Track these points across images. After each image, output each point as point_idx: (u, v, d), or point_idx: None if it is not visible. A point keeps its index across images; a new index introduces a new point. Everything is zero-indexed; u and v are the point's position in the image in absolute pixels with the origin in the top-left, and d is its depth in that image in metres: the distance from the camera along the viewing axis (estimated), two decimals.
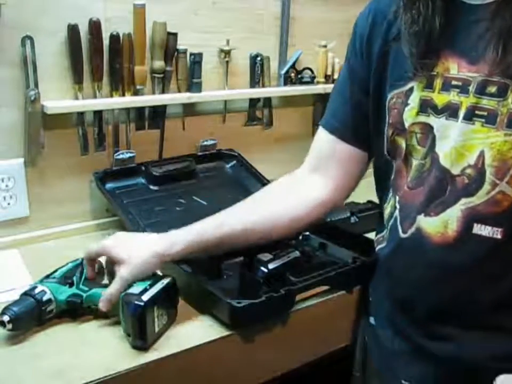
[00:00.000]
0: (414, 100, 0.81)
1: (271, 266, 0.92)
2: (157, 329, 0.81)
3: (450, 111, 0.77)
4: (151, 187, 1.25)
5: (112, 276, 0.85)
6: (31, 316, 0.82)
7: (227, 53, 1.36)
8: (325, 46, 1.50)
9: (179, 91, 1.31)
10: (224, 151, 1.40)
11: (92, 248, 0.88)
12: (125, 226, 1.15)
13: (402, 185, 0.84)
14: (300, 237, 1.15)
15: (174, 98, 1.30)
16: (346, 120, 0.93)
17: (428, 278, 0.80)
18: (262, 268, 0.92)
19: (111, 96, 1.21)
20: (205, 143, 1.37)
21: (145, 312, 0.79)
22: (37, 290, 0.83)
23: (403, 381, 0.86)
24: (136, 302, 0.78)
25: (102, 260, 0.95)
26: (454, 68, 0.77)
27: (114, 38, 1.18)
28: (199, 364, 0.83)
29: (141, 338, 0.79)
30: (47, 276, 0.88)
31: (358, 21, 0.92)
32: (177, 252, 0.85)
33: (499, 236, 0.74)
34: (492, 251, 0.75)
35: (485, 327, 0.79)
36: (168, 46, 1.26)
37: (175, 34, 1.26)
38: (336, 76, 1.53)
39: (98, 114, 1.21)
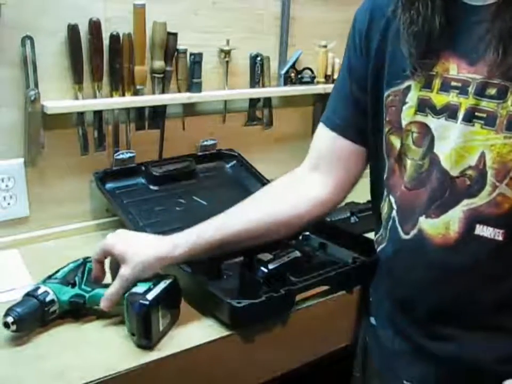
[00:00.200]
0: (412, 99, 0.81)
1: (271, 266, 0.92)
2: (161, 328, 0.82)
3: (450, 111, 0.77)
4: (151, 187, 1.25)
5: (115, 274, 0.85)
6: (35, 317, 0.82)
7: (227, 53, 1.36)
8: (325, 46, 1.49)
9: (179, 91, 1.31)
10: (224, 151, 1.40)
11: (97, 247, 0.88)
12: (125, 227, 1.15)
13: (398, 185, 0.84)
14: (300, 237, 1.15)
15: (174, 98, 1.30)
16: (346, 117, 0.92)
17: (429, 279, 0.80)
18: (262, 268, 0.92)
19: (111, 96, 1.21)
20: (205, 143, 1.37)
21: (150, 311, 0.79)
22: (39, 291, 0.83)
23: (404, 381, 0.86)
24: (141, 301, 0.79)
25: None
26: (454, 68, 0.77)
27: (114, 38, 1.18)
28: (199, 364, 0.83)
29: (146, 337, 0.80)
30: (49, 277, 0.88)
31: (356, 16, 0.91)
32: (180, 254, 0.85)
33: (500, 238, 0.74)
34: (493, 252, 0.75)
35: (486, 328, 0.79)
36: (168, 46, 1.26)
37: (175, 34, 1.26)
38: (336, 76, 1.53)
39: (98, 114, 1.21)
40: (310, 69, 1.52)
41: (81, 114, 1.19)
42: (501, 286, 0.76)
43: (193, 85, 1.31)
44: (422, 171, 0.80)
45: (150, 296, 0.80)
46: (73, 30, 1.12)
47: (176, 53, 1.28)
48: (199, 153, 1.36)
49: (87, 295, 0.86)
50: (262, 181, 1.32)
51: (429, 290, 0.81)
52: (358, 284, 0.99)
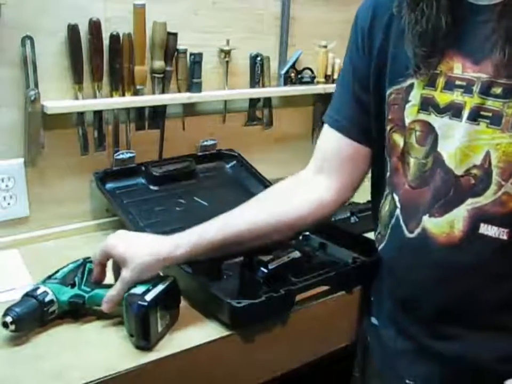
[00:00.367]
0: (414, 97, 0.81)
1: (271, 266, 0.92)
2: (160, 329, 0.82)
3: (454, 110, 0.77)
4: (151, 187, 1.25)
5: (117, 275, 0.85)
6: (34, 317, 0.81)
7: (227, 53, 1.36)
8: (325, 46, 1.49)
9: (179, 91, 1.31)
10: (224, 151, 1.40)
11: (97, 250, 0.87)
12: (125, 227, 1.15)
13: (401, 184, 0.84)
14: (300, 237, 1.15)
15: (174, 98, 1.30)
16: (351, 117, 0.92)
17: (432, 278, 0.80)
18: (262, 268, 0.92)
19: (111, 96, 1.21)
20: (205, 143, 1.37)
21: (149, 312, 0.79)
22: (39, 291, 0.83)
23: (407, 381, 0.86)
24: (139, 302, 0.78)
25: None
26: (459, 67, 0.77)
27: (114, 38, 1.18)
28: (199, 364, 0.83)
29: (145, 338, 0.80)
30: (49, 277, 0.88)
31: (358, 14, 0.91)
32: (181, 254, 0.85)
33: (505, 237, 0.74)
34: (497, 252, 0.75)
35: (490, 327, 0.79)
36: (168, 46, 1.26)
37: (175, 34, 1.26)
38: (336, 76, 1.53)
39: (98, 114, 1.21)
40: (310, 69, 1.52)
41: (81, 114, 1.19)
42: (505, 285, 0.76)
43: (193, 85, 1.31)
44: (425, 170, 0.80)
45: (149, 297, 0.80)
46: (73, 30, 1.12)
47: (176, 53, 1.28)
48: (199, 154, 1.36)
49: (86, 296, 0.86)
50: (262, 181, 1.32)
51: (433, 289, 0.81)
52: (358, 284, 0.99)
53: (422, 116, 0.80)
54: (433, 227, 0.79)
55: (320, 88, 1.52)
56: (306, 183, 0.96)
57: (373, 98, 0.88)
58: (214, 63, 1.37)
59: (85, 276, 0.89)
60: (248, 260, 0.98)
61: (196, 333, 0.85)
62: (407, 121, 0.82)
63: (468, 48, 0.76)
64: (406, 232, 0.83)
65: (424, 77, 0.79)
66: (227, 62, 1.37)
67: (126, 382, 0.76)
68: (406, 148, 0.82)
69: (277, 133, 1.54)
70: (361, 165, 0.94)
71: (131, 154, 1.25)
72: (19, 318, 0.79)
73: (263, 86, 1.45)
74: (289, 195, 0.95)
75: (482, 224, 0.75)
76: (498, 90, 0.73)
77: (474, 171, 0.75)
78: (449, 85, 0.78)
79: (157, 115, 1.30)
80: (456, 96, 0.77)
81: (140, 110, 1.28)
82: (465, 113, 0.76)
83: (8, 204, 1.14)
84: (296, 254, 0.98)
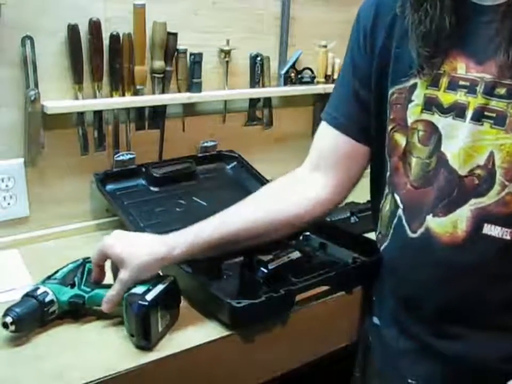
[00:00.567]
0: (418, 97, 0.81)
1: (271, 266, 0.92)
2: (160, 329, 0.82)
3: (457, 110, 0.77)
4: (152, 188, 1.25)
5: (116, 276, 0.85)
6: (34, 317, 0.81)
7: (227, 53, 1.36)
8: (325, 46, 1.49)
9: (179, 91, 1.31)
10: (225, 152, 1.40)
11: (95, 250, 0.87)
12: (125, 227, 1.15)
13: (403, 183, 0.84)
14: (300, 237, 1.15)
15: (174, 98, 1.30)
16: (350, 115, 0.91)
17: (435, 278, 0.80)
18: (262, 268, 0.92)
19: (111, 96, 1.21)
20: (205, 144, 1.37)
21: (149, 312, 0.79)
22: (39, 292, 0.83)
23: (409, 380, 0.86)
24: (140, 302, 0.78)
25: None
26: (462, 67, 0.77)
27: (114, 38, 1.18)
28: (199, 364, 0.83)
29: (145, 338, 0.80)
30: (49, 277, 0.88)
31: (360, 12, 0.91)
32: (178, 254, 0.84)
33: (508, 237, 0.74)
34: (501, 252, 0.75)
35: (493, 327, 0.79)
36: (168, 46, 1.26)
37: (175, 34, 1.26)
38: (336, 76, 1.53)
39: (98, 114, 1.21)
40: (310, 69, 1.52)
41: (81, 114, 1.19)
42: (508, 285, 0.76)
43: (193, 85, 1.31)
44: (429, 170, 0.80)
45: (149, 297, 0.80)
46: (73, 30, 1.12)
47: (176, 53, 1.28)
48: (199, 155, 1.36)
49: (86, 296, 0.86)
50: (263, 182, 1.32)
51: (436, 289, 0.81)
52: (358, 284, 0.99)
53: (426, 116, 0.80)
54: (437, 227, 0.79)
55: (320, 88, 1.52)
56: (302, 181, 0.95)
57: (374, 97, 0.88)
58: (214, 63, 1.37)
59: (85, 276, 0.89)
60: (248, 259, 0.98)
61: (196, 333, 0.85)
62: (410, 121, 0.82)
63: (472, 48, 0.76)
64: (408, 232, 0.83)
65: (428, 77, 0.79)
66: (227, 62, 1.37)
67: (126, 382, 0.76)
68: (408, 147, 0.82)
69: (277, 133, 1.54)
70: (359, 163, 0.94)
71: (131, 156, 1.25)
72: (19, 319, 0.79)
73: (263, 86, 1.45)
74: (286, 193, 0.95)
75: (485, 225, 0.75)
76: (502, 90, 0.73)
77: (478, 171, 0.75)
78: (453, 85, 0.78)
79: (157, 115, 1.30)
80: (460, 96, 0.77)
81: (140, 110, 1.28)
82: (469, 114, 0.76)
83: (8, 203, 1.14)
84: (296, 254, 0.98)
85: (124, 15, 1.18)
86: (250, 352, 0.88)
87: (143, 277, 0.83)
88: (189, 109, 1.36)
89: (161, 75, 1.27)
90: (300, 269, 0.96)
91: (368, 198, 0.99)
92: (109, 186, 1.21)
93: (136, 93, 1.24)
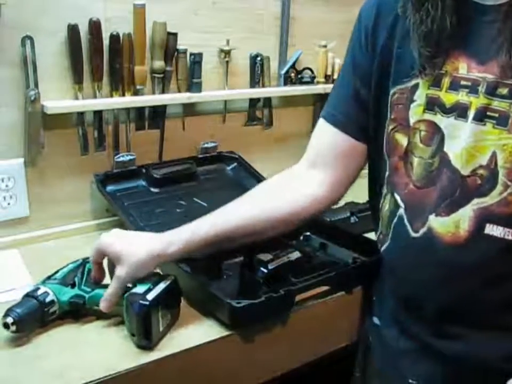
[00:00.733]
0: (420, 97, 0.81)
1: (271, 266, 0.92)
2: (161, 328, 0.82)
3: (459, 111, 0.77)
4: (152, 189, 1.26)
5: (113, 275, 0.85)
6: (34, 318, 0.81)
7: (227, 53, 1.36)
8: (325, 46, 1.50)
9: (179, 91, 1.31)
10: (225, 153, 1.40)
11: (92, 249, 0.87)
12: (125, 227, 1.15)
13: (403, 183, 0.84)
14: (301, 237, 1.15)
15: (174, 98, 1.30)
16: (348, 113, 0.92)
17: (437, 277, 0.80)
18: (262, 268, 0.92)
19: (111, 96, 1.21)
20: (206, 145, 1.37)
21: (150, 311, 0.79)
22: (39, 292, 0.83)
23: (410, 380, 0.86)
24: (141, 302, 0.79)
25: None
26: (464, 67, 0.77)
27: (114, 38, 1.18)
28: (199, 364, 0.83)
29: (146, 338, 0.80)
30: (49, 277, 0.88)
31: (362, 12, 0.91)
32: (174, 251, 0.84)
33: (510, 237, 0.74)
34: (503, 252, 0.75)
35: (494, 327, 0.79)
36: (168, 46, 1.26)
37: (175, 34, 1.26)
38: (336, 76, 1.53)
39: (98, 114, 1.21)
40: (310, 69, 1.52)
41: (81, 114, 1.19)
42: (510, 285, 0.76)
43: (193, 85, 1.31)
44: (431, 169, 0.80)
45: (150, 296, 0.80)
46: (73, 30, 1.12)
47: (176, 53, 1.28)
48: (200, 156, 1.36)
49: (86, 296, 0.86)
50: None
51: (437, 289, 0.81)
52: (358, 284, 0.99)
53: (428, 116, 0.80)
54: (439, 226, 0.79)
55: (320, 88, 1.52)
56: (299, 178, 0.95)
57: (373, 96, 0.88)
58: (214, 63, 1.37)
59: (85, 276, 0.89)
60: (248, 260, 0.98)
61: (196, 333, 0.85)
62: (412, 121, 0.82)
63: (474, 48, 0.76)
64: (410, 231, 0.82)
65: (429, 77, 0.79)
66: (227, 62, 1.37)
67: (126, 382, 0.76)
68: (410, 147, 0.82)
69: (277, 133, 1.54)
70: (356, 161, 0.94)
71: (131, 157, 1.25)
72: (20, 319, 0.79)
73: (263, 86, 1.45)
74: (282, 190, 0.95)
75: (487, 225, 0.75)
76: (504, 91, 0.73)
77: (481, 171, 0.75)
78: (455, 85, 0.78)
79: (157, 115, 1.30)
80: (462, 96, 0.77)
81: (140, 110, 1.28)
82: (471, 114, 0.76)
83: (8, 203, 1.14)
84: (296, 254, 0.98)
85: (124, 15, 1.18)
86: (250, 352, 0.88)
87: (140, 274, 0.83)
88: (189, 109, 1.36)
89: (161, 75, 1.27)
90: (299, 269, 0.96)
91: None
92: (109, 187, 1.21)
93: (136, 93, 1.24)
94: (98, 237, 1.19)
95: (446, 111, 0.78)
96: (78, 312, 0.87)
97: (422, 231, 0.81)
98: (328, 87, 1.51)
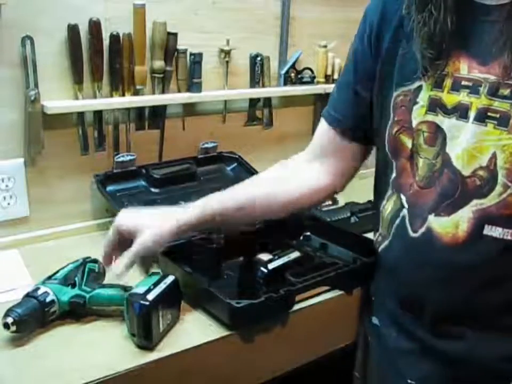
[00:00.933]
0: (423, 99, 0.81)
1: (270, 266, 0.92)
2: (161, 328, 0.82)
3: (460, 111, 0.77)
4: (152, 189, 1.26)
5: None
6: (35, 318, 0.82)
7: (227, 53, 1.36)
8: (325, 46, 1.50)
9: (179, 91, 1.31)
10: (225, 154, 1.40)
11: (109, 231, 0.89)
12: None
13: (409, 184, 0.84)
14: (301, 237, 1.15)
15: (174, 98, 1.30)
16: (348, 114, 0.93)
17: (436, 278, 0.80)
18: (262, 268, 0.92)
19: (111, 96, 1.21)
20: (206, 145, 1.37)
21: (151, 311, 0.79)
22: (39, 292, 0.83)
23: (409, 381, 0.86)
24: (141, 302, 0.79)
25: (102, 259, 0.95)
26: (464, 68, 0.77)
27: (114, 38, 1.18)
28: (199, 364, 0.83)
29: (147, 338, 0.80)
30: (49, 277, 0.88)
31: (367, 11, 0.91)
32: (185, 224, 0.88)
33: (509, 237, 0.74)
34: (502, 252, 0.75)
35: (494, 328, 0.79)
36: (168, 46, 1.26)
37: (175, 34, 1.26)
38: (336, 76, 1.54)
39: (98, 114, 1.21)
40: (310, 69, 1.52)
41: (81, 114, 1.19)
42: (509, 286, 0.76)
43: (193, 85, 1.31)
44: (434, 170, 0.80)
45: (151, 296, 0.80)
46: (73, 30, 1.12)
47: (176, 53, 1.28)
48: (200, 156, 1.36)
49: (87, 296, 0.86)
50: None
51: (437, 289, 0.80)
52: (358, 284, 0.99)
53: (430, 117, 0.80)
54: (439, 227, 0.79)
55: (320, 88, 1.52)
56: (301, 167, 0.98)
57: (377, 99, 0.88)
58: (214, 63, 1.37)
59: (85, 276, 0.89)
60: (248, 260, 0.98)
61: (196, 333, 0.85)
62: (415, 122, 0.82)
63: (475, 48, 0.76)
64: (410, 231, 0.83)
65: (432, 79, 0.79)
66: (227, 62, 1.37)
67: (126, 382, 0.76)
68: (415, 148, 0.82)
69: (277, 133, 1.54)
70: (355, 160, 0.97)
71: (131, 157, 1.25)
72: (20, 319, 0.79)
73: (263, 86, 1.45)
74: (288, 177, 0.98)
75: (486, 226, 0.75)
76: (506, 91, 0.73)
77: (481, 172, 0.75)
78: (456, 86, 0.78)
79: (157, 115, 1.30)
80: (463, 97, 0.77)
81: (140, 110, 1.28)
82: (472, 114, 0.76)
83: (8, 204, 1.14)
84: (296, 254, 0.98)
85: (124, 15, 1.18)
86: (250, 352, 0.88)
87: (153, 246, 0.85)
88: (189, 109, 1.36)
89: (161, 75, 1.27)
90: (299, 269, 0.96)
91: (368, 198, 1.00)
92: (109, 187, 1.21)
93: (136, 93, 1.24)
94: (98, 237, 1.20)
95: (447, 111, 0.78)
96: (78, 312, 0.87)
97: (421, 231, 0.81)
98: (328, 87, 1.51)
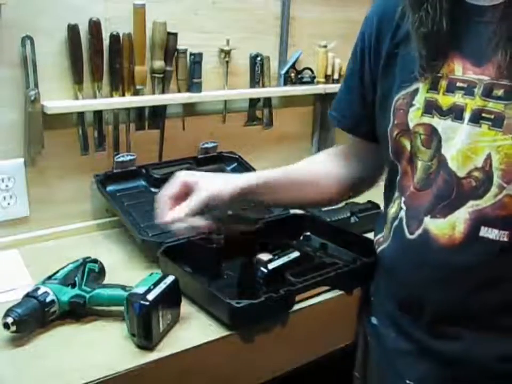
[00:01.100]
0: (419, 101, 0.81)
1: (271, 266, 0.92)
2: (161, 328, 0.82)
3: (456, 113, 0.77)
4: (152, 189, 1.25)
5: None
6: (35, 318, 0.82)
7: (227, 53, 1.36)
8: (325, 46, 1.50)
9: (179, 91, 1.31)
10: (225, 154, 1.40)
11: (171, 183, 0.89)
12: (126, 227, 1.16)
13: (408, 186, 0.84)
14: (301, 237, 1.15)
15: (174, 98, 1.30)
16: (357, 120, 0.96)
17: (433, 279, 0.80)
18: (262, 268, 0.92)
19: (111, 96, 1.21)
20: (206, 145, 1.37)
21: (151, 311, 0.79)
22: (39, 292, 0.83)
23: (407, 381, 0.86)
24: (141, 302, 0.79)
25: (102, 259, 0.95)
26: (459, 69, 0.77)
27: (114, 38, 1.18)
28: (199, 364, 0.83)
29: (147, 338, 0.80)
30: (49, 277, 0.88)
31: (366, 19, 0.91)
32: (242, 188, 0.88)
33: (506, 239, 0.74)
34: (498, 254, 0.74)
35: (491, 328, 0.79)
36: (168, 46, 1.26)
37: (175, 34, 1.26)
38: (336, 76, 1.54)
39: (98, 114, 1.21)
40: (310, 69, 1.52)
41: (81, 114, 1.19)
42: (506, 287, 0.76)
43: (193, 85, 1.31)
44: (430, 172, 0.80)
45: (150, 296, 0.80)
46: (73, 30, 1.12)
47: (176, 53, 1.28)
48: (200, 156, 1.36)
49: (87, 296, 0.86)
50: None
51: (435, 291, 0.80)
52: (358, 284, 0.99)
53: (426, 119, 0.80)
54: (435, 228, 0.79)
55: (320, 88, 1.52)
56: (343, 160, 1.01)
57: (379, 101, 0.89)
58: (214, 63, 1.37)
59: (85, 275, 0.89)
60: (248, 260, 0.98)
61: (196, 333, 0.85)
62: (411, 124, 0.82)
63: (469, 50, 0.76)
64: (407, 233, 0.83)
65: (428, 81, 0.80)
66: (227, 62, 1.37)
67: (126, 382, 0.76)
68: (413, 151, 0.83)
69: (277, 133, 1.53)
70: (379, 156, 0.96)
71: (131, 157, 1.25)
72: (20, 319, 0.79)
73: (263, 86, 1.45)
74: (340, 165, 1.01)
75: (482, 227, 0.75)
76: (499, 92, 0.73)
77: (476, 173, 0.75)
78: (451, 87, 0.78)
79: (157, 115, 1.30)
80: (458, 98, 0.77)
81: (140, 110, 1.28)
82: (467, 115, 0.76)
83: (8, 204, 1.14)
84: (296, 254, 0.98)
85: (124, 15, 1.18)
86: (250, 352, 0.88)
87: (212, 201, 0.85)
88: (189, 109, 1.36)
89: (161, 75, 1.27)
90: (299, 269, 0.96)
91: (368, 198, 1.00)
92: (109, 187, 1.21)
93: (136, 93, 1.24)
94: (98, 237, 1.21)
95: (442, 113, 0.78)
96: (78, 312, 0.87)
97: (417, 232, 0.81)
98: (328, 87, 1.52)
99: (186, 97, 1.31)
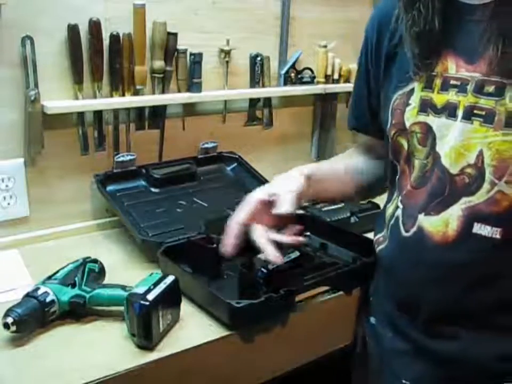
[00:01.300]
0: (414, 100, 0.82)
1: (271, 266, 0.92)
2: (161, 328, 0.82)
3: (449, 110, 0.78)
4: (152, 189, 1.26)
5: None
6: (35, 318, 0.82)
7: (227, 53, 1.36)
8: (325, 46, 1.49)
9: (179, 91, 1.31)
10: (225, 154, 1.40)
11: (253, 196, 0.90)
12: (126, 228, 1.16)
13: (405, 185, 0.85)
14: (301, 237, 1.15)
15: (174, 98, 1.30)
16: (366, 123, 0.99)
17: (430, 277, 0.80)
18: (262, 268, 0.92)
19: (111, 96, 1.21)
20: (206, 145, 1.37)
21: (151, 311, 0.79)
22: (39, 292, 0.83)
23: (403, 381, 0.86)
24: (141, 302, 0.79)
25: (102, 260, 0.95)
26: (452, 67, 0.78)
27: (114, 38, 1.18)
28: (199, 364, 0.83)
29: (147, 338, 0.80)
30: (49, 277, 0.88)
31: (367, 25, 0.94)
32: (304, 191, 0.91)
33: (498, 236, 0.74)
34: (492, 251, 0.75)
35: (488, 327, 0.79)
36: (168, 46, 1.26)
37: (175, 34, 1.26)
38: (336, 76, 1.54)
39: (98, 114, 1.21)
40: (310, 69, 1.52)
41: (81, 114, 1.19)
42: (501, 285, 0.76)
43: (193, 85, 1.31)
44: (425, 170, 0.81)
45: (150, 296, 0.80)
46: (73, 30, 1.12)
47: (176, 53, 1.28)
48: (200, 156, 1.36)
49: (87, 296, 0.86)
50: (263, 183, 1.32)
51: (431, 289, 0.81)
52: (358, 284, 0.99)
53: (421, 118, 0.81)
54: (429, 225, 0.79)
55: (320, 88, 1.52)
56: (364, 159, 1.04)
57: (383, 104, 0.90)
58: (214, 63, 1.37)
59: (85, 275, 0.89)
60: (248, 260, 0.98)
61: (196, 333, 0.85)
62: (408, 123, 0.83)
63: (461, 47, 0.77)
64: (403, 231, 0.83)
65: (423, 79, 0.81)
66: (227, 62, 1.37)
67: (126, 382, 0.76)
68: (411, 149, 0.83)
69: (277, 133, 1.54)
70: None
71: (131, 157, 1.25)
72: (20, 319, 0.79)
73: (263, 86, 1.45)
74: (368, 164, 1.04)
75: (476, 224, 0.75)
76: (490, 88, 0.74)
77: (469, 170, 0.76)
78: (445, 85, 0.79)
79: (157, 115, 1.30)
80: (451, 96, 0.78)
81: (140, 110, 1.28)
82: (460, 113, 0.76)
83: (8, 204, 1.14)
84: (296, 254, 0.98)
85: (124, 15, 1.18)
86: (250, 352, 0.88)
87: (298, 200, 0.89)
88: (189, 109, 1.36)
89: (161, 75, 1.27)
90: (299, 269, 0.96)
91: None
92: (109, 187, 1.21)
93: (136, 93, 1.24)
94: (98, 237, 1.21)
95: (437, 111, 0.79)
96: (78, 312, 0.87)
97: (412, 230, 0.81)
98: (328, 87, 1.52)
99: (186, 97, 1.31)
